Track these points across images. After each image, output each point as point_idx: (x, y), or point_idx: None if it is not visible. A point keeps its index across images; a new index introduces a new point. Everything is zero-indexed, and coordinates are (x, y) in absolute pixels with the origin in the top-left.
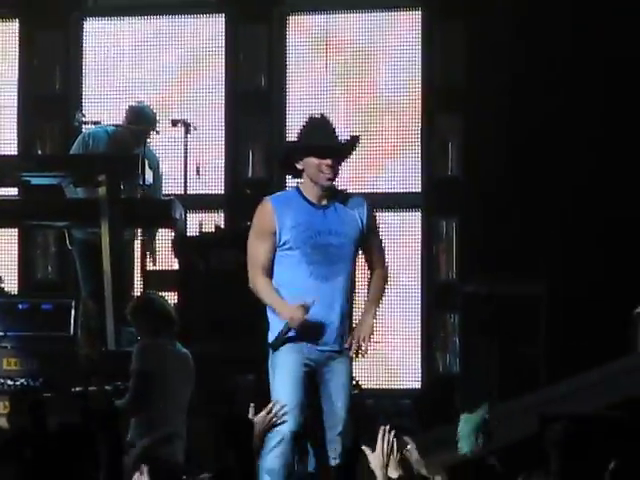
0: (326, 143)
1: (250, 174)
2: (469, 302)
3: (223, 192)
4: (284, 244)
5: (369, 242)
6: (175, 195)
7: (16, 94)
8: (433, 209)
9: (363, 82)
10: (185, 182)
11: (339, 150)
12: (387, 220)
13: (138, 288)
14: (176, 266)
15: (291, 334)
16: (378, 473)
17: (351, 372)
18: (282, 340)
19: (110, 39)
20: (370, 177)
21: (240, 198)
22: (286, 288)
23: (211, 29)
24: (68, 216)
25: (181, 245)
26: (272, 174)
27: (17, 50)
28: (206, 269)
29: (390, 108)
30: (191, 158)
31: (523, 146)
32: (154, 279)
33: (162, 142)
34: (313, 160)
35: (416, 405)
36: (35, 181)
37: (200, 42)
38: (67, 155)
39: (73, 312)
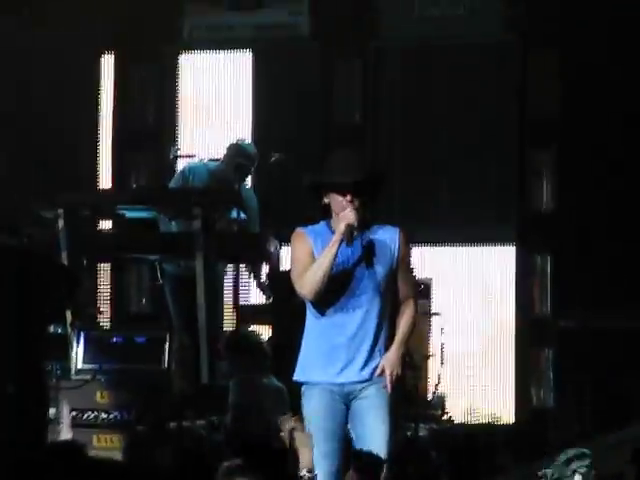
0: (343, 179)
1: None
2: (563, 337)
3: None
4: None
5: (401, 274)
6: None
7: (111, 128)
8: (528, 243)
9: (458, 114)
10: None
11: (355, 186)
12: (482, 255)
13: (231, 322)
14: (270, 300)
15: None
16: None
17: (389, 399)
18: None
19: (205, 73)
20: (464, 211)
21: None
22: (314, 318)
23: (306, 63)
24: (163, 249)
25: (275, 279)
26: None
27: (112, 84)
28: (301, 304)
29: (486, 141)
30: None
31: (619, 179)
32: (248, 313)
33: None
34: (336, 196)
35: (510, 440)
36: (130, 214)
37: (295, 75)
38: (162, 188)
39: (167, 345)
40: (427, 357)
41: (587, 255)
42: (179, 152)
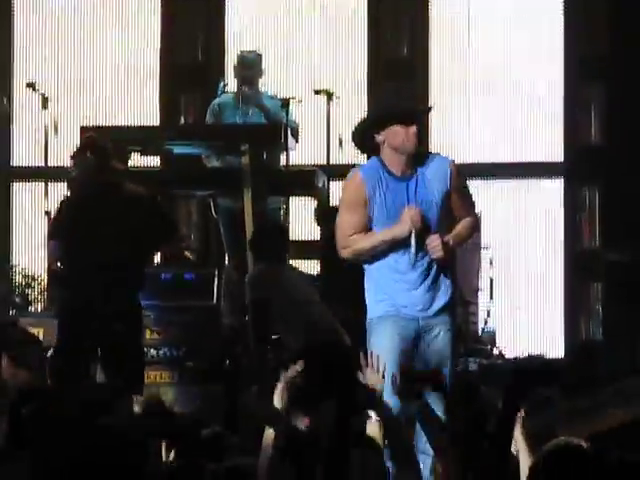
0: (411, 109)
1: None
2: (612, 270)
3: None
4: (372, 219)
5: (456, 202)
6: (318, 165)
7: (158, 63)
8: (576, 177)
9: (505, 49)
10: (328, 152)
11: (424, 114)
12: (529, 188)
13: None
14: (318, 236)
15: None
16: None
17: (451, 337)
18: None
19: (253, 7)
20: (513, 146)
21: None
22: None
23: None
24: (211, 185)
25: (324, 214)
26: None
27: (159, 19)
28: None
29: (532, 76)
30: (334, 128)
31: None
32: (297, 249)
33: (305, 111)
34: (398, 128)
35: (559, 374)
36: (178, 150)
37: (343, 11)
38: (210, 125)
39: (216, 282)
40: (477, 291)
41: (635, 188)
42: (227, 87)
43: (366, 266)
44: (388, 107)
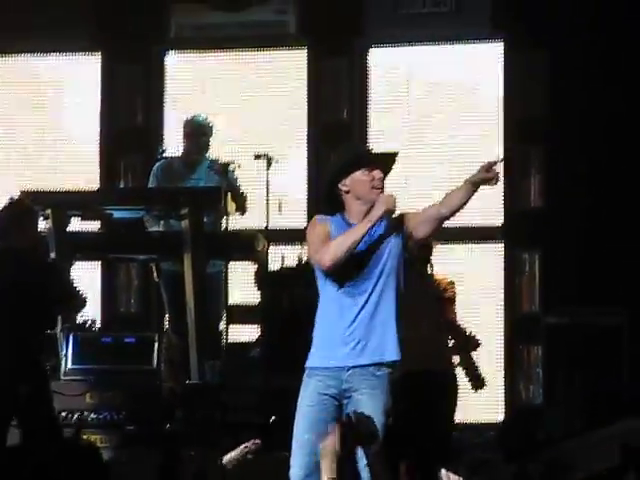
0: (373, 156)
1: None
2: (552, 334)
3: (305, 226)
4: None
5: (414, 221)
6: (258, 229)
7: (98, 127)
8: (515, 241)
9: (444, 112)
10: (267, 215)
11: (389, 158)
12: (470, 252)
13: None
14: (258, 300)
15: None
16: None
17: (382, 401)
18: None
19: (191, 72)
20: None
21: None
22: (325, 302)
23: (293, 62)
24: (151, 250)
25: (264, 279)
26: None
27: (99, 83)
28: (289, 303)
29: (471, 139)
30: (273, 191)
31: (606, 177)
32: (237, 313)
33: (244, 175)
34: (362, 175)
35: (500, 437)
36: (117, 214)
37: (282, 75)
38: (150, 189)
39: (156, 345)
40: None
41: (575, 252)
42: (166, 152)
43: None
44: (349, 154)
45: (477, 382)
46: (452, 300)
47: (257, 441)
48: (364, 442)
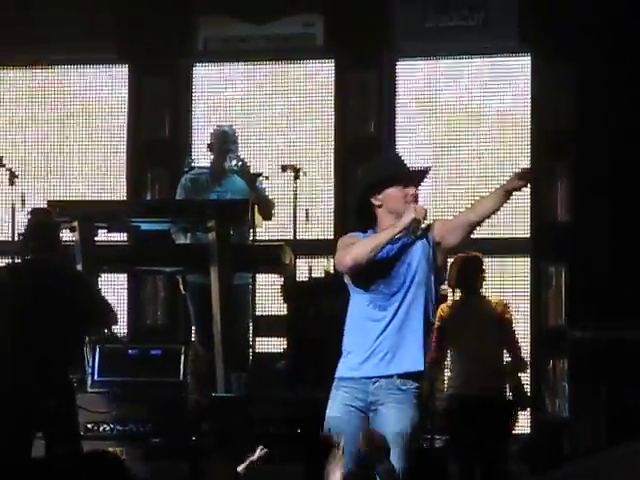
0: (409, 172)
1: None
2: (578, 347)
3: (332, 237)
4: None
5: (446, 229)
6: (284, 240)
7: (125, 140)
8: (542, 254)
9: (471, 126)
10: (294, 227)
11: (423, 175)
12: (496, 265)
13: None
14: (285, 312)
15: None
16: None
17: (409, 416)
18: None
19: (219, 84)
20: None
21: None
22: (352, 312)
23: (320, 74)
24: (178, 262)
25: (290, 290)
26: None
27: (126, 96)
28: (315, 315)
29: (498, 153)
30: (300, 203)
31: (633, 189)
32: (264, 324)
33: (272, 187)
34: (396, 191)
35: (525, 450)
36: (144, 227)
37: (309, 87)
38: (177, 201)
39: (182, 358)
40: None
41: (602, 266)
42: (194, 164)
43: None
44: (385, 169)
45: (525, 401)
46: (511, 321)
47: (265, 450)
48: (377, 456)
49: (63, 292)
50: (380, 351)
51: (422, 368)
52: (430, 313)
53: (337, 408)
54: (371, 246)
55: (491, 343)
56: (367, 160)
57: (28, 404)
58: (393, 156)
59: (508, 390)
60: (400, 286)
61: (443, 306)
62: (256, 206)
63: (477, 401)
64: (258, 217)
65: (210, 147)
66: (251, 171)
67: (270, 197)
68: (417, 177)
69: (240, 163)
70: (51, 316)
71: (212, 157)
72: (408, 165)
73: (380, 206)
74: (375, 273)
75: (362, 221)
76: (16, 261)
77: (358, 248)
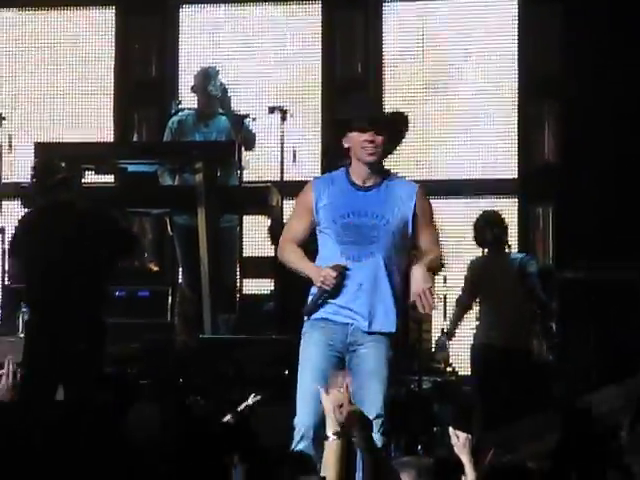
0: (362, 114)
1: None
2: (565, 288)
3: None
4: (319, 223)
5: (422, 233)
6: (271, 182)
7: (113, 82)
8: (529, 195)
9: (460, 68)
10: (282, 169)
11: (375, 120)
12: (484, 206)
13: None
14: (272, 253)
15: (322, 312)
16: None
17: (386, 355)
18: (313, 307)
19: (207, 26)
20: (467, 164)
21: None
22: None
23: (306, 16)
24: (165, 203)
25: (277, 232)
26: None
27: (113, 38)
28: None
29: (487, 94)
30: (288, 145)
31: (621, 132)
32: (251, 266)
33: (259, 129)
34: (355, 135)
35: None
36: (131, 168)
37: (296, 29)
38: (164, 142)
39: (170, 299)
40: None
41: (588, 207)
42: (180, 106)
43: None
44: (345, 112)
45: (554, 349)
46: (534, 274)
47: (257, 397)
48: (361, 425)
49: (91, 229)
50: (359, 303)
51: (394, 330)
52: (401, 269)
53: (316, 345)
54: (289, 265)
55: (517, 296)
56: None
57: (59, 347)
58: (359, 98)
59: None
60: (372, 240)
61: (473, 260)
62: (242, 147)
63: (502, 351)
64: (244, 157)
65: (193, 88)
66: (238, 112)
67: (256, 136)
68: (378, 122)
69: (220, 90)
70: (83, 255)
71: (197, 98)
72: (378, 109)
73: (348, 148)
74: (350, 229)
75: (340, 159)
76: (41, 205)
77: (285, 255)
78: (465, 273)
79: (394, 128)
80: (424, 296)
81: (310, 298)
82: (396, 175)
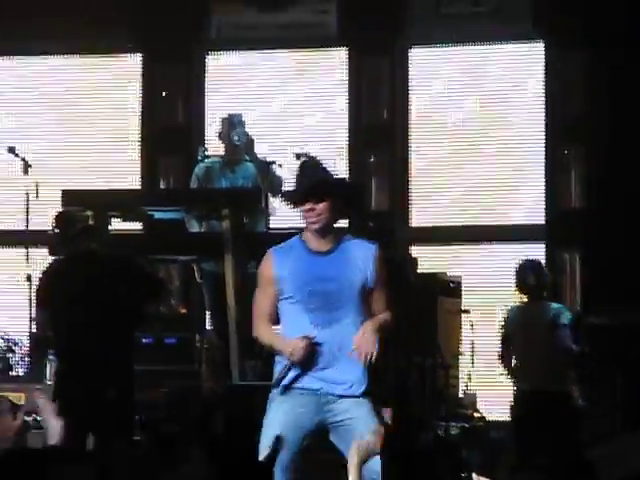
0: (291, 189)
1: (373, 206)
2: (593, 334)
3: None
4: (284, 294)
5: (376, 294)
6: (298, 229)
7: (139, 128)
8: (557, 241)
9: (487, 115)
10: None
11: (300, 195)
12: (511, 252)
13: None
14: None
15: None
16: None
17: (369, 417)
18: (281, 380)
19: (232, 72)
20: (495, 209)
21: (364, 231)
22: (290, 337)
23: (334, 62)
24: (192, 250)
25: None
26: (394, 207)
27: (140, 84)
28: None
29: (514, 139)
30: None
31: None
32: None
33: (285, 175)
34: (302, 205)
35: None
36: (158, 215)
37: (323, 75)
38: (191, 189)
39: (197, 346)
40: (458, 355)
41: (617, 252)
42: (207, 152)
43: None
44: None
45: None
46: (566, 326)
47: None
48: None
49: (116, 276)
50: (331, 371)
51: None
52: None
53: (286, 413)
54: (263, 342)
55: (549, 345)
56: (380, 147)
57: (88, 395)
58: (300, 169)
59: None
60: (339, 305)
61: (508, 310)
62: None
63: (537, 399)
64: (271, 204)
65: (220, 135)
66: (264, 159)
67: (283, 181)
68: (307, 191)
69: (244, 139)
70: (109, 302)
71: (223, 146)
72: (314, 177)
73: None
74: (310, 296)
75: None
76: (65, 255)
77: (259, 332)
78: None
79: (341, 192)
80: (362, 345)
81: (277, 368)
82: (350, 237)
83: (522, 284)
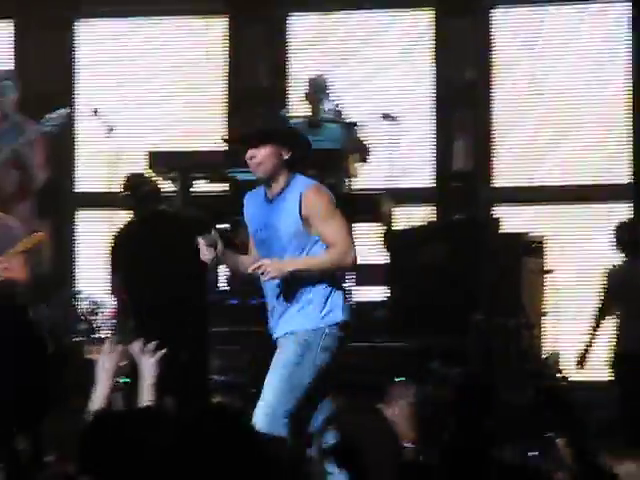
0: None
1: (455, 167)
2: None
3: (432, 185)
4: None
5: (317, 230)
6: (385, 189)
7: (225, 89)
8: None
9: (569, 72)
10: (394, 176)
11: (249, 139)
12: (593, 212)
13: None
14: (385, 260)
15: None
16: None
17: (292, 357)
18: None
19: (315, 33)
20: (575, 170)
21: (448, 191)
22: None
23: (416, 23)
24: None
25: (391, 239)
26: (477, 166)
27: (226, 45)
28: (416, 263)
29: (593, 99)
30: (399, 152)
31: None
32: (364, 273)
33: (369, 136)
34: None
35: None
36: (242, 177)
37: (408, 36)
38: None
39: None
40: (541, 315)
41: None
42: (288, 114)
43: None
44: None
45: None
46: None
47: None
48: None
49: (185, 236)
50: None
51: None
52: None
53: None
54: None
55: None
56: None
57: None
58: (248, 114)
59: None
60: (275, 252)
61: (611, 268)
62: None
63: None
64: (353, 165)
65: (306, 96)
66: (347, 120)
67: (366, 144)
68: (243, 139)
69: (334, 110)
70: (179, 262)
71: (308, 106)
72: (254, 124)
73: None
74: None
75: None
76: (136, 216)
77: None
78: (603, 280)
79: (283, 140)
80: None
81: None
82: (300, 180)
83: (621, 241)
